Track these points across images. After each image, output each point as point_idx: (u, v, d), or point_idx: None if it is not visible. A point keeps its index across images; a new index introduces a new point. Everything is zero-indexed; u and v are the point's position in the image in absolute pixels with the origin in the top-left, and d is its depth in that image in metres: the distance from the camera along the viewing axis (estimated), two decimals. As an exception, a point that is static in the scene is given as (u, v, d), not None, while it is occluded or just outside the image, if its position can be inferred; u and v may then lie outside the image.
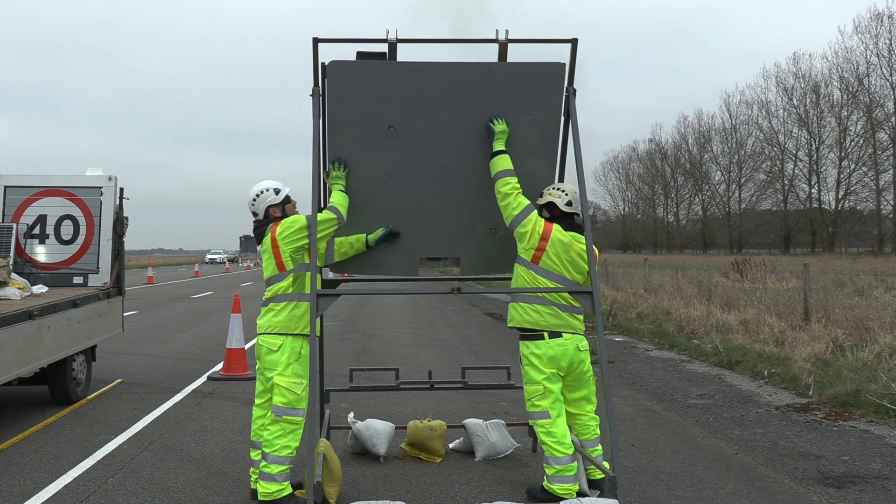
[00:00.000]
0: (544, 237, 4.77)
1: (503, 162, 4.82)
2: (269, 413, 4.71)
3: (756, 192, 79.61)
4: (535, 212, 4.81)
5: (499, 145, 4.84)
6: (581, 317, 4.86)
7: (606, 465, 4.87)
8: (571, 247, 4.79)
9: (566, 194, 4.88)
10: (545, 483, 4.73)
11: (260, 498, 4.65)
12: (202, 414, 7.41)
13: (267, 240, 4.80)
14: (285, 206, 4.95)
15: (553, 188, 4.92)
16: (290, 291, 4.75)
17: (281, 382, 4.66)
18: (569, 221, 4.86)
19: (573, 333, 4.80)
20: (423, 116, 4.82)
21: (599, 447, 5.00)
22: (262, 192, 4.93)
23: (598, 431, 5.00)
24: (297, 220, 4.74)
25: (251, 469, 4.97)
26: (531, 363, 4.79)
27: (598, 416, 4.99)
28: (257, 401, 4.92)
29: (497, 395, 8.11)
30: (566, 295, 4.76)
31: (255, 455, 4.92)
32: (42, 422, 6.95)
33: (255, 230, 4.96)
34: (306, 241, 4.72)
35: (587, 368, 4.87)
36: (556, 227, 4.81)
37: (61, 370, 7.54)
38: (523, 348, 4.86)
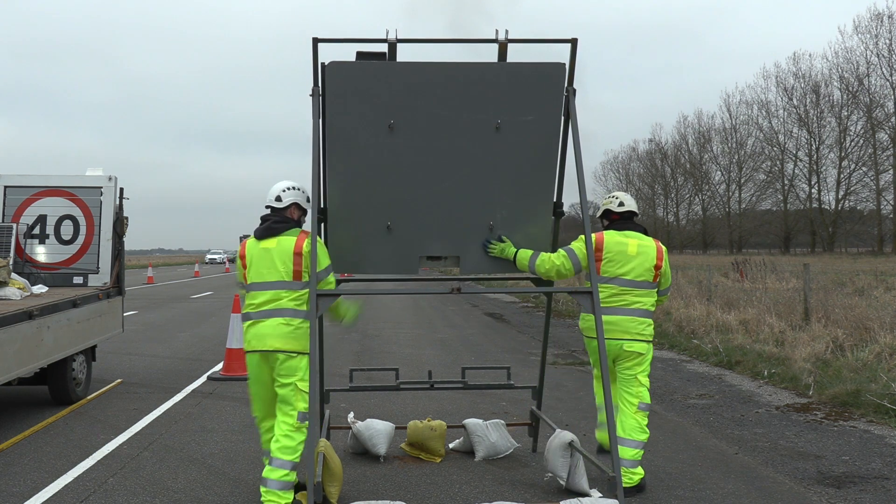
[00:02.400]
0: (598, 248, 5.16)
1: (525, 253, 4.99)
2: (292, 422, 4.55)
3: (756, 192, 79.62)
4: (577, 245, 5.04)
5: (509, 248, 5.00)
6: (650, 320, 5.17)
7: (639, 471, 5.04)
8: (627, 245, 5.17)
9: (616, 197, 5.38)
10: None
11: None
12: (202, 414, 7.41)
13: (291, 243, 4.65)
14: (302, 216, 4.90)
15: (605, 198, 5.44)
16: (305, 308, 4.65)
17: (304, 388, 4.60)
18: (625, 222, 5.31)
19: (630, 339, 5.10)
20: (422, 117, 4.82)
21: (636, 451, 5.05)
22: (294, 188, 4.84)
23: (640, 435, 5.10)
24: (326, 259, 4.69)
25: (267, 489, 4.57)
26: (588, 353, 5.55)
27: (639, 418, 5.14)
28: (263, 413, 4.84)
29: (497, 395, 8.11)
30: (636, 297, 5.12)
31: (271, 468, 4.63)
32: (42, 422, 6.95)
33: (275, 221, 4.72)
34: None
35: (629, 368, 5.18)
36: (607, 233, 5.23)
37: (61, 370, 7.54)
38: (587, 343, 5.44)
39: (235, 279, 4.75)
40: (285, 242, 4.66)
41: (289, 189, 4.82)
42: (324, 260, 4.66)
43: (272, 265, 4.64)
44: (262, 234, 4.73)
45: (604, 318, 5.02)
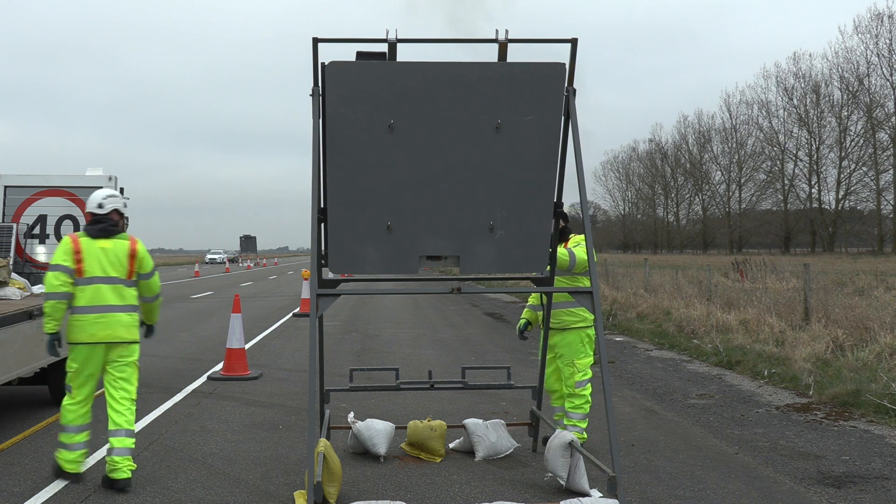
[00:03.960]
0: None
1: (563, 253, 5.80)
2: (132, 396, 5.26)
3: (756, 192, 79.76)
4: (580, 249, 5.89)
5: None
6: None
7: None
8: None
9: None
10: (581, 434, 5.89)
11: (128, 476, 5.05)
12: (202, 414, 7.41)
13: (126, 246, 5.28)
14: (121, 220, 5.48)
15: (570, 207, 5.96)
16: (136, 303, 5.40)
17: (138, 366, 5.37)
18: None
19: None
20: (422, 116, 4.81)
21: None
22: (113, 196, 5.40)
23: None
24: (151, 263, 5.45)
25: (77, 452, 5.22)
26: (592, 343, 5.98)
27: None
28: (87, 395, 5.28)
29: (497, 395, 8.11)
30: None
31: (82, 437, 5.26)
32: (42, 422, 6.95)
33: (110, 224, 5.28)
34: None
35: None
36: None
37: (61, 370, 7.50)
38: (588, 332, 5.95)
39: (57, 265, 5.15)
40: (120, 244, 5.29)
41: (108, 197, 5.37)
42: (150, 263, 5.42)
43: (110, 263, 5.23)
44: (98, 234, 5.26)
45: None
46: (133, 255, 5.28)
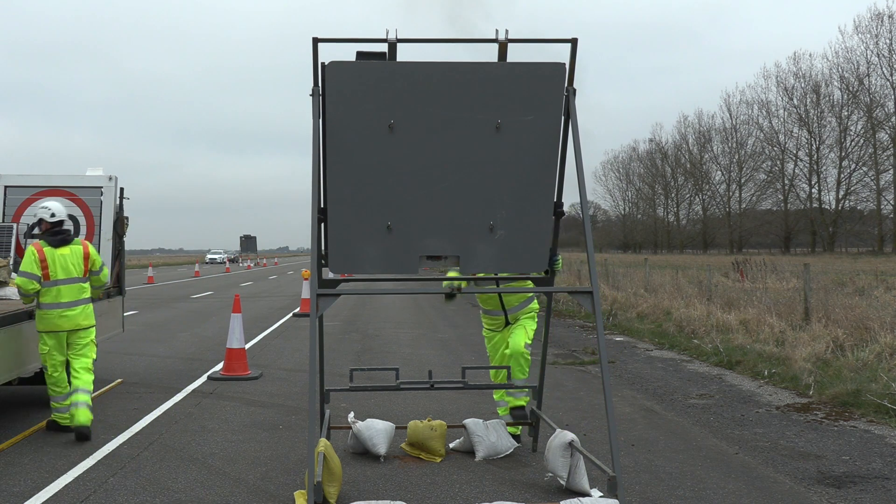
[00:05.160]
0: None
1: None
2: (86, 364, 6.48)
3: (756, 192, 79.75)
4: None
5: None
6: None
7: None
8: None
9: None
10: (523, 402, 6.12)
11: (87, 424, 6.27)
12: (202, 414, 7.41)
13: (80, 251, 6.54)
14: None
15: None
16: (90, 295, 6.64)
17: (95, 342, 6.66)
18: None
19: None
20: (422, 116, 4.81)
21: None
22: (62, 206, 6.71)
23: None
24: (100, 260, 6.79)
25: (75, 410, 6.27)
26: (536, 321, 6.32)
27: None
28: (56, 364, 6.39)
29: (497, 395, 8.10)
30: None
31: (69, 401, 6.38)
32: (42, 422, 6.94)
33: (65, 235, 6.49)
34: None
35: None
36: None
37: (61, 370, 7.56)
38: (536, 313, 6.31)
39: (26, 273, 6.26)
40: (76, 249, 6.52)
41: (58, 207, 6.64)
42: (100, 261, 6.74)
43: (72, 266, 6.43)
44: (58, 244, 6.44)
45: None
46: (87, 257, 6.56)
